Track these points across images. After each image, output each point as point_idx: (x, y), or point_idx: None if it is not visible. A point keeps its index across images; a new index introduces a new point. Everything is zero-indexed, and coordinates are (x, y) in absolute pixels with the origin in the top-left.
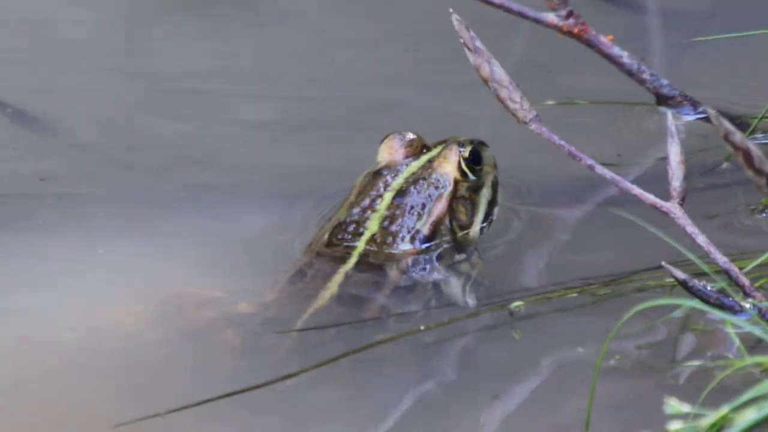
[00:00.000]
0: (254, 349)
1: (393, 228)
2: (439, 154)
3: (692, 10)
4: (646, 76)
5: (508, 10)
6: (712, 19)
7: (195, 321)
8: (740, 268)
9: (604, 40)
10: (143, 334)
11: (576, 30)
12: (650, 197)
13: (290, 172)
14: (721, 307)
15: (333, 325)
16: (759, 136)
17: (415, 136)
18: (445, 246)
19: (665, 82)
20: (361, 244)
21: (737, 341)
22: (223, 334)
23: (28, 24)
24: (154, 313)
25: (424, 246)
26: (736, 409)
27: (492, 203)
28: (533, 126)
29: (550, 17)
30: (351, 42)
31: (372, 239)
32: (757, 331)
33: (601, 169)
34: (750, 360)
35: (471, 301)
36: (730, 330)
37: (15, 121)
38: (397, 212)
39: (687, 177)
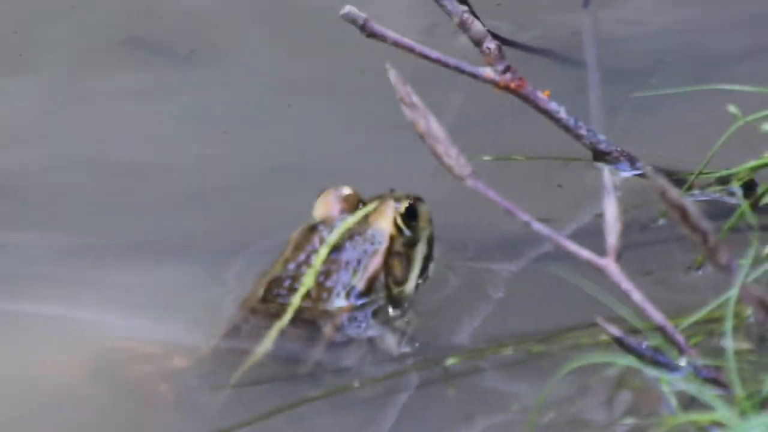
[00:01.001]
0: (189, 403)
1: (328, 283)
2: (375, 209)
3: (631, 67)
4: (582, 131)
5: (445, 65)
6: (651, 76)
7: (130, 375)
8: (676, 326)
9: (541, 95)
10: (77, 389)
11: (513, 85)
12: (585, 254)
13: (223, 228)
14: (657, 364)
15: (267, 381)
16: (696, 192)
17: (351, 191)
18: (381, 302)
19: (602, 137)
20: (296, 300)
21: (672, 399)
22: (158, 389)
23: None
24: (89, 367)
25: (359, 302)
26: None
27: (427, 259)
28: (469, 182)
29: (487, 72)
30: (287, 94)
31: (307, 295)
32: (692, 389)
33: (536, 225)
34: (684, 418)
35: (404, 355)
36: (666, 388)
37: None
38: (333, 267)
39: (623, 233)
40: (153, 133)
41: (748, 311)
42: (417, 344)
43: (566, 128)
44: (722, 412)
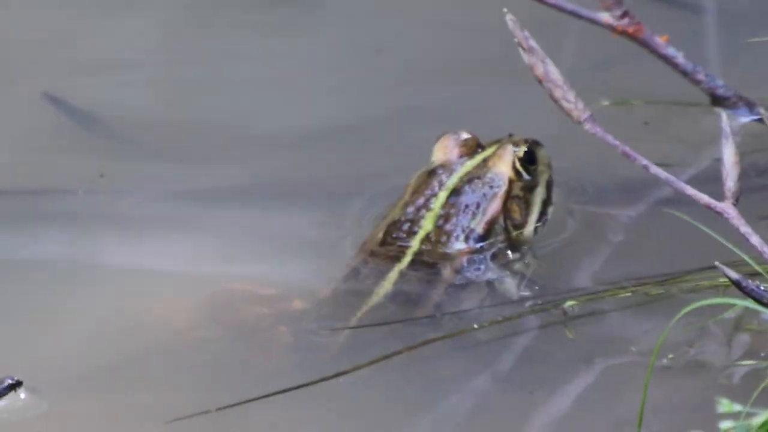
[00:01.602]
0: (307, 346)
1: (447, 227)
2: (493, 153)
3: (749, 10)
4: (701, 76)
5: (562, 10)
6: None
7: (247, 318)
8: None
9: (659, 40)
10: (195, 330)
11: (630, 30)
12: (704, 197)
13: (342, 171)
14: None
15: (386, 323)
16: None
17: (469, 136)
18: (500, 245)
19: (720, 83)
20: (415, 243)
21: None
22: (275, 331)
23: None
24: (206, 309)
25: (478, 245)
26: None
27: (546, 203)
28: (587, 126)
29: (605, 17)
30: (386, 42)
31: (426, 238)
32: None
33: (655, 169)
34: None
35: (523, 298)
36: None
37: (73, 119)
38: (452, 211)
39: (741, 177)
40: (266, 73)
41: None
42: (536, 287)
43: (684, 73)
44: None
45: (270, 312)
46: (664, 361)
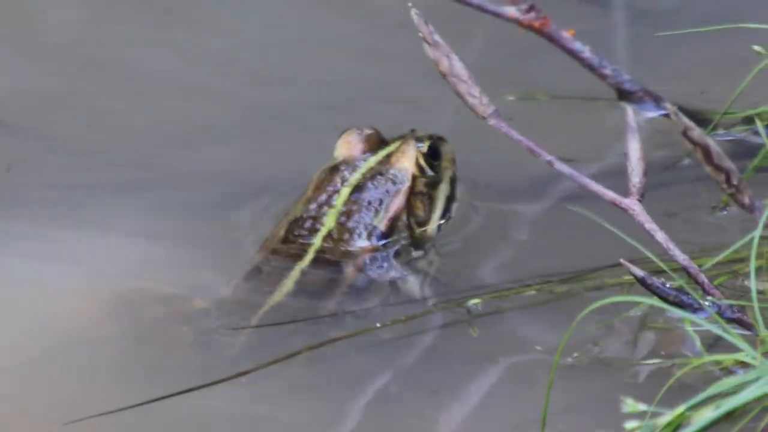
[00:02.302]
0: (209, 345)
1: (350, 224)
2: (397, 149)
3: (657, 5)
4: (607, 71)
5: (468, 4)
6: (676, 14)
7: (148, 317)
8: (700, 266)
9: (566, 34)
10: (95, 329)
11: (537, 24)
12: (609, 194)
13: (243, 166)
14: (680, 305)
15: (288, 322)
16: (721, 132)
17: (373, 131)
18: (403, 243)
19: (627, 77)
20: (317, 241)
21: (696, 339)
22: (177, 331)
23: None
24: (106, 308)
25: (381, 243)
26: (694, 408)
27: (450, 199)
28: (492, 121)
29: (511, 11)
30: (307, 38)
31: (328, 236)
32: (716, 329)
33: (560, 165)
34: (708, 358)
35: (426, 296)
36: (689, 328)
37: None
38: (354, 208)
39: (647, 173)
40: (171, 65)
41: None
42: (439, 285)
43: (590, 68)
44: (746, 353)
45: (171, 311)
46: (569, 359)
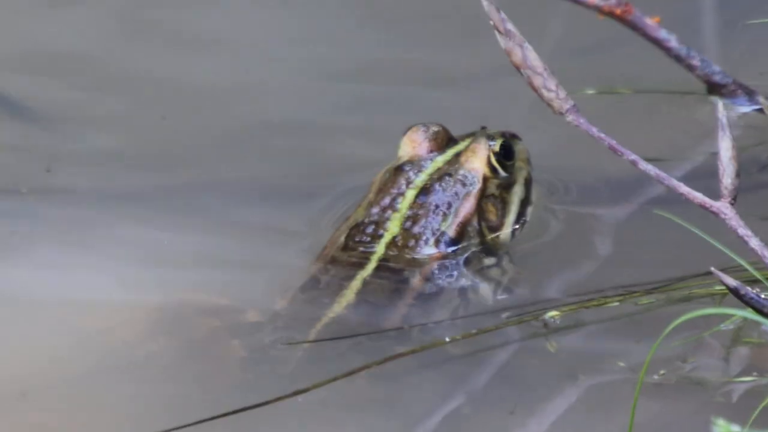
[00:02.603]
0: (262, 361)
1: (416, 229)
2: (466, 148)
3: None
4: (696, 62)
5: None
6: None
7: (199, 331)
8: None
9: (650, 21)
10: (143, 344)
11: (618, 11)
12: (699, 196)
13: (300, 168)
14: None
15: (349, 336)
16: None
17: (440, 128)
18: (474, 249)
19: (717, 68)
20: (380, 248)
21: None
22: (229, 345)
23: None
24: (155, 322)
25: (450, 249)
26: None
27: (525, 202)
28: (570, 117)
29: None
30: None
31: (393, 242)
32: None
33: (645, 165)
34: None
35: (500, 308)
36: None
37: (16, 116)
38: (421, 212)
39: (740, 174)
40: (216, 64)
41: None
42: (514, 296)
43: (677, 58)
44: None
45: (222, 324)
46: (655, 377)
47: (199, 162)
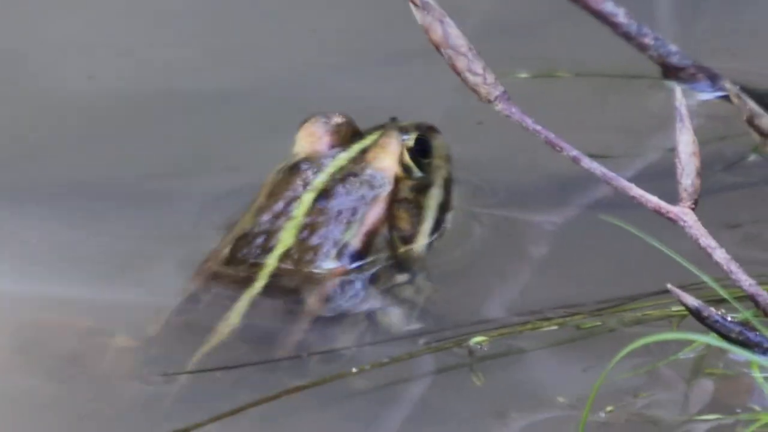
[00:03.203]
0: (135, 394)
1: (314, 240)
2: (375, 143)
3: None
4: (648, 40)
5: None
6: None
7: (58, 357)
8: None
9: None
10: None
11: None
12: (653, 200)
13: (174, 164)
14: (746, 344)
15: (234, 367)
16: None
17: (343, 120)
18: (383, 264)
19: (674, 48)
20: (271, 262)
21: (767, 388)
22: (95, 375)
23: None
24: (8, 346)
25: (354, 264)
26: None
27: (444, 207)
28: (500, 106)
29: None
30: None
31: (286, 255)
32: None
33: (588, 163)
34: None
35: (415, 334)
36: (757, 374)
37: None
38: (320, 219)
39: (702, 173)
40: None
41: None
42: (432, 319)
43: (626, 36)
44: None
45: (87, 350)
46: (602, 415)
47: (45, 160)
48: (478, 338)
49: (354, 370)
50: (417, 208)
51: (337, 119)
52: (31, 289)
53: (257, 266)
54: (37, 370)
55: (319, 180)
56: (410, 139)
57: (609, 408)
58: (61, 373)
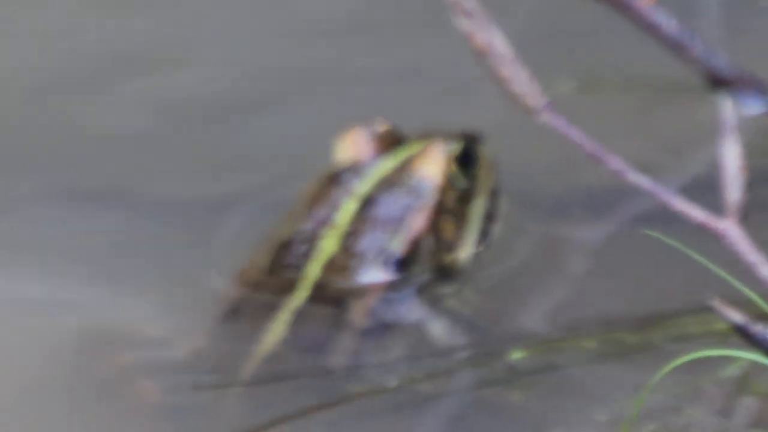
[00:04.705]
0: (177, 409)
1: (357, 250)
2: (420, 151)
3: None
4: (698, 52)
5: None
6: None
7: (106, 368)
8: None
9: (642, 3)
10: (37, 383)
11: None
12: (699, 214)
13: (213, 173)
14: None
15: (276, 381)
16: None
17: (388, 127)
18: (426, 275)
19: (723, 60)
20: (314, 271)
21: None
22: (139, 387)
23: None
24: (49, 360)
25: (398, 274)
26: None
27: (489, 218)
28: (545, 116)
29: None
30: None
31: (329, 264)
32: None
33: (634, 176)
34: None
35: (457, 347)
36: None
37: None
38: (363, 228)
39: (750, 187)
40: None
41: None
42: (474, 332)
43: (676, 47)
44: None
45: (133, 361)
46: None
47: (84, 165)
48: (519, 353)
49: (393, 384)
50: (462, 219)
51: (381, 126)
52: (71, 300)
53: (300, 275)
54: (85, 382)
55: (363, 188)
56: (456, 148)
57: (651, 426)
58: (110, 385)
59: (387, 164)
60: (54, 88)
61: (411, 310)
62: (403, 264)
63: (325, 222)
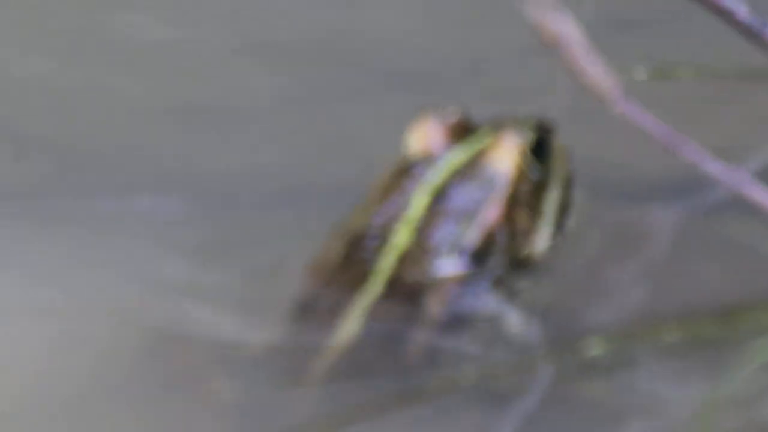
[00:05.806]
0: (251, 405)
1: (430, 242)
2: (493, 141)
3: None
4: None
5: None
6: None
7: (176, 366)
8: None
9: None
10: (111, 383)
11: None
12: None
13: (281, 165)
14: None
15: (351, 376)
16: None
17: (458, 115)
18: (500, 268)
19: None
20: (387, 265)
21: None
22: (211, 385)
23: None
24: (126, 356)
25: (472, 267)
26: None
27: (564, 209)
28: (620, 106)
29: None
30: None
31: (402, 257)
32: None
33: (712, 165)
34: None
35: (532, 341)
36: None
37: None
38: (436, 221)
39: None
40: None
41: None
42: (550, 326)
43: (749, 34)
44: None
45: (206, 359)
46: (721, 427)
47: (157, 156)
48: (596, 347)
49: (466, 380)
50: (536, 210)
51: (452, 115)
52: (142, 300)
53: (372, 269)
54: (155, 381)
55: (435, 180)
56: (529, 137)
57: (729, 420)
58: (181, 383)
59: (459, 155)
60: None
61: (486, 304)
62: (478, 257)
63: (397, 215)
